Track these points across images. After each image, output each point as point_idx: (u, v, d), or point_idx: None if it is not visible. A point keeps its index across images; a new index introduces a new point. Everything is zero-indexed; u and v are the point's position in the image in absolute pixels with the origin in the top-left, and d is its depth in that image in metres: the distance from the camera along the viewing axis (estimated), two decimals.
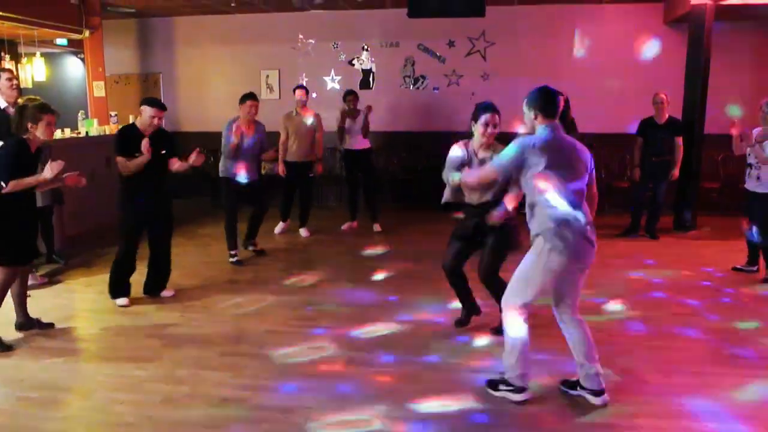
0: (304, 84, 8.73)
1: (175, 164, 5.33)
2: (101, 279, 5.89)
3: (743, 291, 5.66)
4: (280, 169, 7.50)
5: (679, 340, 4.56)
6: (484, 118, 4.21)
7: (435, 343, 4.47)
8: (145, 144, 4.97)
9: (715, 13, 7.66)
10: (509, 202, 4.13)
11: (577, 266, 3.42)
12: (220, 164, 6.55)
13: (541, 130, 3.41)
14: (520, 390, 3.55)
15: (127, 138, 5.08)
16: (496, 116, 4.23)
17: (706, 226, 8.14)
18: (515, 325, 3.48)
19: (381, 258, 6.84)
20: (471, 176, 3.89)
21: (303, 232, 7.83)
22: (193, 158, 5.27)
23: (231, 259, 6.58)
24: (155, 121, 5.09)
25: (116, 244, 5.34)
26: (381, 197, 8.33)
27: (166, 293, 5.55)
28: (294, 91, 7.64)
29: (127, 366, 4.13)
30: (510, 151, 3.41)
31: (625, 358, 4.21)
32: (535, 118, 3.43)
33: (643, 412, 3.51)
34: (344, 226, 8.10)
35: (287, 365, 4.14)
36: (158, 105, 5.14)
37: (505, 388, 3.59)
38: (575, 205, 3.32)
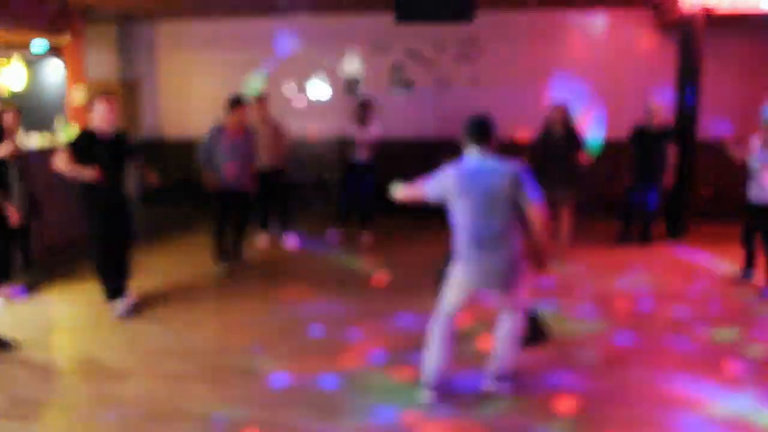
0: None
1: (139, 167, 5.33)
2: (80, 290, 5.71)
3: (735, 300, 5.57)
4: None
5: (667, 349, 4.46)
6: None
7: None
8: (90, 175, 4.83)
9: (705, 20, 7.62)
10: None
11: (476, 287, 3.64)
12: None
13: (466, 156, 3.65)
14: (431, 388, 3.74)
15: (85, 142, 4.92)
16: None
17: (698, 233, 8.07)
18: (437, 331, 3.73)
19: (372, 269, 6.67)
20: (402, 191, 3.85)
21: (288, 239, 7.65)
22: (150, 176, 5.27)
23: (218, 269, 6.38)
24: (111, 111, 4.97)
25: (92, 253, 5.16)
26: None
27: (129, 300, 5.31)
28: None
29: (108, 380, 3.95)
30: (438, 174, 3.64)
31: (613, 368, 4.14)
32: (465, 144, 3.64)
33: (634, 422, 3.43)
34: (332, 235, 7.88)
35: (271, 378, 3.97)
36: (106, 95, 5.08)
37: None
38: (478, 239, 3.53)
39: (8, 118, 5.60)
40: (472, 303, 3.78)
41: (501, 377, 3.83)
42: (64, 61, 8.88)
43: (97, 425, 3.41)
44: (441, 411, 3.62)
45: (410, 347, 4.34)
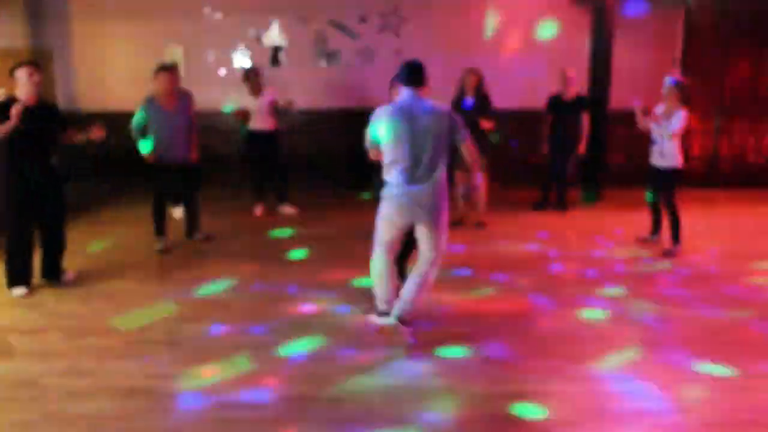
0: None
1: (73, 136, 5.09)
2: None
3: (643, 261, 5.94)
4: None
5: (581, 310, 4.71)
6: None
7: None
8: (15, 110, 4.59)
9: None
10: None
11: (405, 220, 3.91)
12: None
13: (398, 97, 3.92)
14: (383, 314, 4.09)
15: (6, 108, 4.68)
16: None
17: (612, 199, 8.49)
18: (377, 265, 4.08)
19: (294, 239, 6.71)
20: (371, 151, 4.11)
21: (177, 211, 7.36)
22: (93, 131, 5.06)
23: (157, 247, 6.19)
24: (34, 79, 4.79)
25: (4, 228, 4.96)
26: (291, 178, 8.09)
27: (68, 276, 5.25)
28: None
29: (23, 361, 3.86)
30: (373, 119, 3.89)
31: (531, 329, 4.35)
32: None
33: (552, 378, 3.63)
34: (257, 211, 7.83)
35: (196, 351, 3.99)
36: (27, 62, 4.90)
37: (375, 316, 4.16)
38: (408, 173, 3.78)
39: None
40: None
41: (404, 320, 3.99)
42: None
43: (11, 407, 3.35)
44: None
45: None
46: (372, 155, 4.03)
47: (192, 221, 6.57)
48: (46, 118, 4.92)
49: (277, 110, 7.57)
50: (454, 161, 4.28)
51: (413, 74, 3.84)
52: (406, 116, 3.76)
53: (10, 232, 4.95)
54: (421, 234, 3.97)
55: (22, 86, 4.81)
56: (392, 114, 3.78)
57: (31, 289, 5.03)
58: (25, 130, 4.71)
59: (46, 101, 5.02)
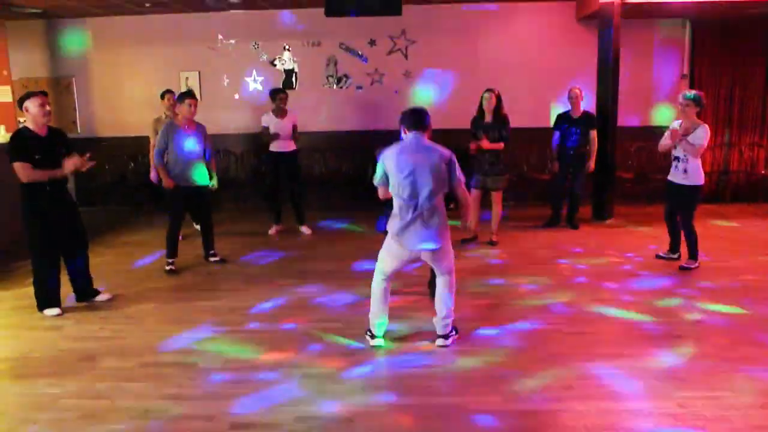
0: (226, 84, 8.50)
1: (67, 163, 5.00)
2: (11, 294, 5.64)
3: (661, 276, 5.92)
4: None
5: (599, 323, 4.74)
6: None
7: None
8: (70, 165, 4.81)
9: (623, 11, 8.00)
10: None
11: (405, 254, 4.24)
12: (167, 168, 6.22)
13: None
14: (373, 336, 4.44)
15: (24, 141, 4.82)
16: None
17: (622, 215, 8.49)
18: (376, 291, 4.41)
19: (307, 261, 6.79)
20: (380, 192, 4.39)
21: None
22: (76, 161, 4.96)
23: (167, 267, 6.31)
24: (46, 109, 4.87)
25: (29, 257, 5.10)
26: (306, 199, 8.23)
27: (101, 297, 5.42)
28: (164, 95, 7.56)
29: (41, 383, 3.95)
30: (379, 160, 4.24)
31: (550, 342, 4.38)
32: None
33: (566, 395, 3.63)
34: (271, 231, 7.97)
35: (210, 373, 4.05)
36: (39, 93, 4.97)
37: (368, 335, 4.45)
38: (410, 209, 4.12)
39: None
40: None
41: (445, 336, 4.40)
42: None
43: (29, 430, 3.40)
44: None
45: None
46: (380, 193, 4.33)
47: (207, 242, 6.68)
48: (57, 145, 5.00)
49: (295, 132, 7.72)
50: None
51: (417, 119, 4.23)
52: (410, 154, 4.13)
53: (36, 258, 5.06)
54: (427, 260, 4.32)
55: (34, 117, 4.85)
56: (397, 152, 4.16)
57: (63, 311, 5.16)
58: (40, 160, 4.83)
59: (54, 128, 5.09)
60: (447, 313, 4.38)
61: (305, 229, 7.93)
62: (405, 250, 4.22)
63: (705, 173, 6.12)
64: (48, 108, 4.92)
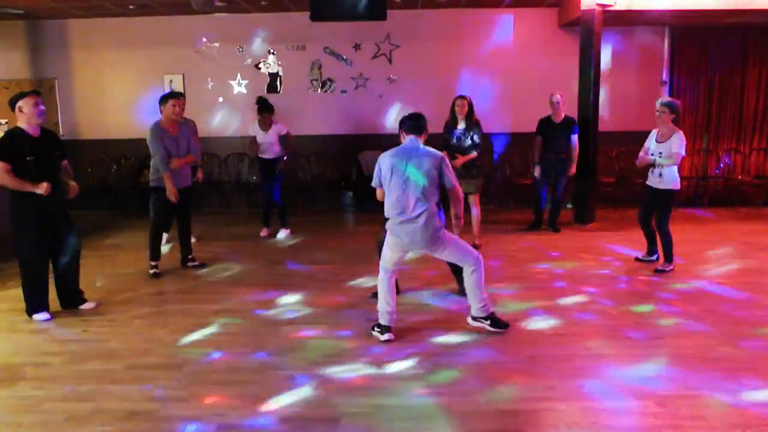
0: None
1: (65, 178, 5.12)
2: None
3: (638, 278, 6.03)
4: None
5: (579, 325, 4.82)
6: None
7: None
8: (45, 187, 4.76)
9: (604, 18, 8.13)
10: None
11: (403, 249, 4.52)
12: (152, 173, 6.16)
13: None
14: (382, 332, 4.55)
15: (14, 141, 4.75)
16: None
17: (604, 218, 8.62)
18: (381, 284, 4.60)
19: (295, 264, 6.82)
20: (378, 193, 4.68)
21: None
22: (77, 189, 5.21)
23: (151, 271, 6.28)
24: (40, 108, 4.82)
25: (15, 258, 5.06)
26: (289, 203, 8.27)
27: (87, 306, 5.33)
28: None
29: (24, 386, 3.93)
30: (378, 164, 4.52)
31: (529, 345, 4.43)
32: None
33: (546, 396, 3.69)
34: (262, 233, 8.02)
35: (196, 375, 4.07)
36: (31, 92, 4.91)
37: (376, 330, 4.57)
38: (405, 207, 4.35)
39: None
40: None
41: (478, 318, 4.67)
42: None
43: (21, 431, 3.40)
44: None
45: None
46: (378, 195, 4.59)
47: (185, 246, 6.62)
48: (50, 147, 4.96)
49: (282, 140, 7.79)
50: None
51: (415, 124, 4.51)
52: (405, 156, 4.40)
53: (26, 262, 5.00)
54: (439, 256, 4.61)
55: (28, 117, 4.77)
56: (393, 155, 4.44)
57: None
58: (33, 162, 4.77)
59: (47, 129, 5.03)
60: (479, 300, 4.61)
61: (282, 233, 7.98)
62: (400, 247, 4.50)
63: (683, 178, 6.24)
64: (42, 107, 4.86)
